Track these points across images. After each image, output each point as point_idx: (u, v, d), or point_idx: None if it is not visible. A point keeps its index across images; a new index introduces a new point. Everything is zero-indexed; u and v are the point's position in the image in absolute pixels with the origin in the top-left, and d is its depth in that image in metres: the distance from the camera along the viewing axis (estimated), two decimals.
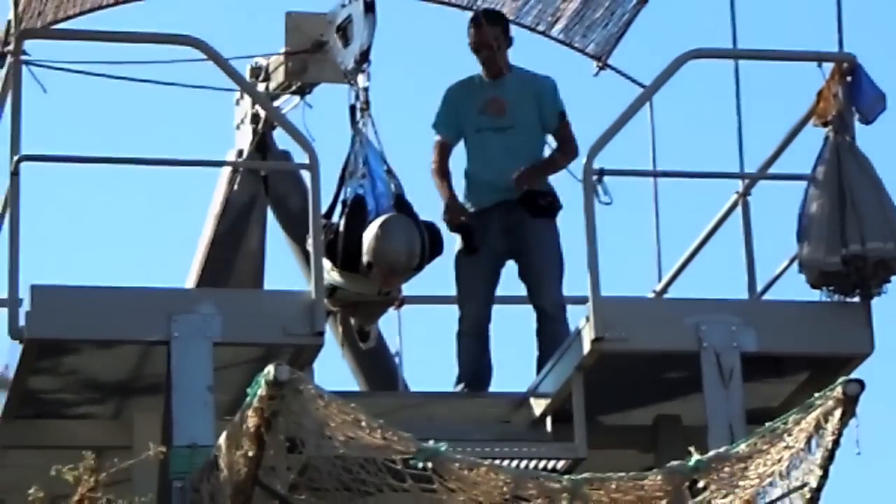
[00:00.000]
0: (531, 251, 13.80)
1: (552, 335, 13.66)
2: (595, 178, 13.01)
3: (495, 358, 13.97)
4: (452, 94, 14.33)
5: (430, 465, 10.89)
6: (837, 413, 11.06)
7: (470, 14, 14.47)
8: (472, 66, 14.10)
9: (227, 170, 14.64)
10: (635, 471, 11.57)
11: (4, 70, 13.04)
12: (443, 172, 14.04)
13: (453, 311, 14.37)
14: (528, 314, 14.08)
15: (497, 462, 11.49)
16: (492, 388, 13.93)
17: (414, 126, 14.38)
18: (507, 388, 13.89)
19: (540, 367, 13.56)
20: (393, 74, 14.33)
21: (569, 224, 13.45)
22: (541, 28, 15.51)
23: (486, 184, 13.97)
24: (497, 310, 14.29)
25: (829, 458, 11.19)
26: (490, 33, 14.07)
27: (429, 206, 13.97)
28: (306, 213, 13.01)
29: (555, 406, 13.20)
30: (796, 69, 13.66)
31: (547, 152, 14.09)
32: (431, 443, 10.95)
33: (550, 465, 12.98)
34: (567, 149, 14.15)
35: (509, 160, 13.77)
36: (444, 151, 14.08)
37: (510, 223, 13.86)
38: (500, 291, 14.29)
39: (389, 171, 13.92)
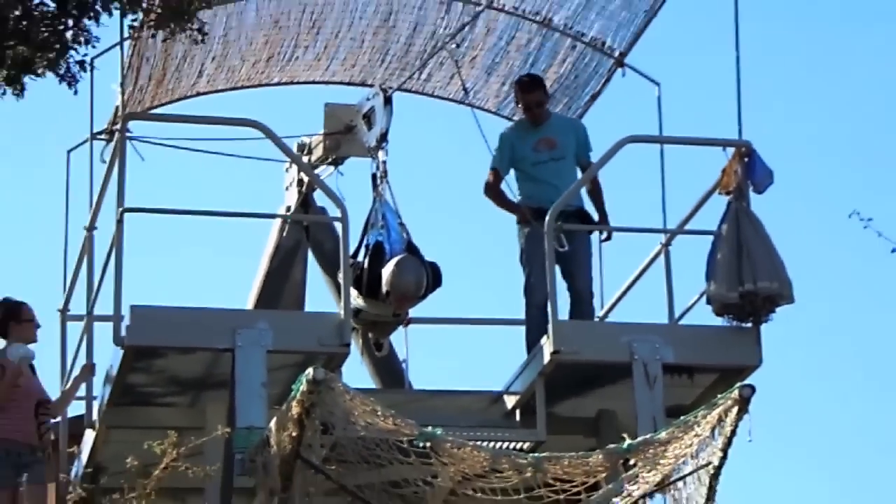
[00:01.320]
0: (576, 249, 13.73)
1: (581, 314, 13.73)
2: (556, 231, 13.05)
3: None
4: (507, 137, 14.19)
5: (428, 444, 10.90)
6: (734, 410, 11.04)
7: (516, 83, 14.43)
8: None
9: (278, 220, 14.63)
10: (583, 451, 11.53)
11: (113, 143, 13.08)
12: (501, 192, 13.97)
13: (449, 328, 14.45)
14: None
15: (479, 443, 11.49)
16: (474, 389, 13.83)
17: (420, 191, 14.38)
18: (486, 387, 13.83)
19: None
20: (405, 152, 14.34)
21: None
22: None
23: (546, 199, 13.69)
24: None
25: (728, 443, 11.16)
26: (538, 94, 14.05)
27: (431, 249, 14.00)
28: (338, 254, 12.99)
29: (522, 402, 13.21)
30: (708, 151, 13.59)
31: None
32: (430, 428, 10.98)
33: (519, 445, 12.94)
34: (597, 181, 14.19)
35: (560, 181, 13.71)
36: (499, 178, 13.95)
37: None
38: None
39: (402, 224, 13.90)
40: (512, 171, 14.03)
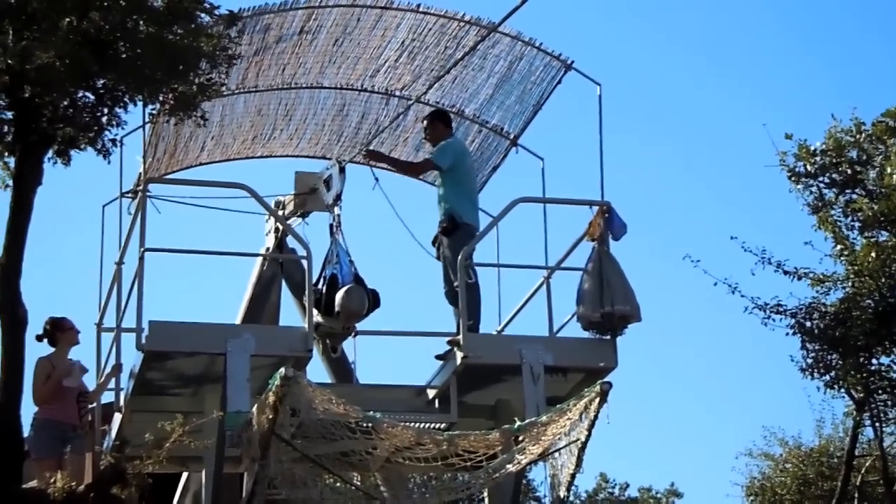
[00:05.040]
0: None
1: None
2: (467, 267, 13.05)
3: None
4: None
5: (370, 425, 10.95)
6: (597, 400, 11.16)
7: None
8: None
9: (260, 257, 14.59)
10: (485, 430, 11.63)
11: (137, 200, 13.06)
12: None
13: (386, 338, 14.40)
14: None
15: (407, 424, 11.55)
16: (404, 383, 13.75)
17: (366, 237, 14.40)
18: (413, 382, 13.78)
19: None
20: (354, 208, 14.38)
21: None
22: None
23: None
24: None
25: (592, 424, 11.27)
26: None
27: (373, 279, 13.91)
28: (304, 283, 12.95)
29: (440, 393, 13.17)
30: (578, 209, 13.60)
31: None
32: (371, 413, 11.02)
33: (437, 425, 12.94)
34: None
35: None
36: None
37: None
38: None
39: (351, 261, 13.82)
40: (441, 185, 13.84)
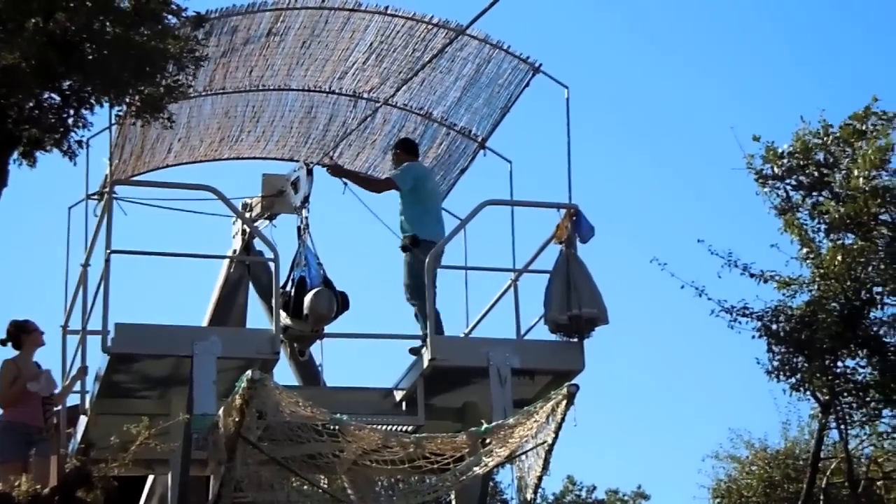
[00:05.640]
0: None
1: None
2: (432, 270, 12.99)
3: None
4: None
5: (337, 427, 10.93)
6: (564, 402, 11.17)
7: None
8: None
9: (227, 260, 14.58)
10: (452, 432, 11.64)
11: (103, 202, 13.01)
12: None
13: (354, 341, 14.42)
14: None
15: (374, 426, 11.55)
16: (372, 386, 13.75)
17: (334, 239, 14.39)
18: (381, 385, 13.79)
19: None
20: (322, 210, 14.37)
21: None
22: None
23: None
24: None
25: (559, 427, 11.27)
26: None
27: (342, 282, 13.95)
28: (272, 285, 12.93)
29: (407, 395, 13.20)
30: (546, 211, 13.61)
31: None
32: (338, 415, 11.02)
33: (404, 428, 12.98)
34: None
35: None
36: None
37: None
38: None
39: (319, 263, 13.87)
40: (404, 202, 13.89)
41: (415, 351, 13.25)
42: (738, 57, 48.27)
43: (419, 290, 13.27)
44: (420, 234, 13.53)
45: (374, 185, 14.06)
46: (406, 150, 14.22)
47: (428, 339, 12.84)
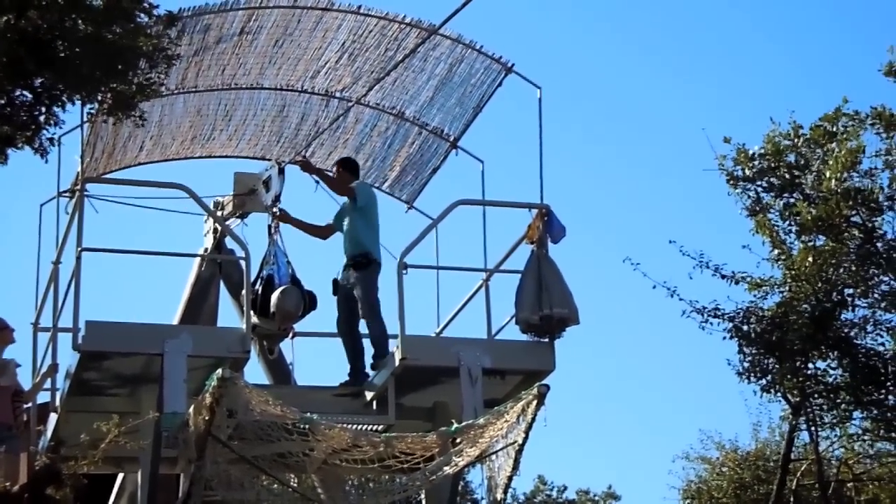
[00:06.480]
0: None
1: None
2: (403, 270, 13.00)
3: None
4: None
5: (307, 426, 10.94)
6: (534, 403, 11.19)
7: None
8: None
9: (198, 258, 14.58)
10: (422, 432, 11.64)
11: (75, 199, 13.00)
12: None
13: (324, 340, 14.45)
14: None
15: (345, 425, 11.51)
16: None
17: (304, 238, 14.38)
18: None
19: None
20: (294, 209, 14.37)
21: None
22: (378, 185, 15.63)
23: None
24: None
25: (529, 427, 11.30)
26: None
27: (311, 280, 14.00)
28: (242, 283, 12.98)
29: (378, 395, 13.17)
30: (517, 211, 13.63)
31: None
32: (308, 414, 11.02)
33: (374, 427, 12.95)
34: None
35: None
36: None
37: None
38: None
39: (289, 262, 13.93)
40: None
41: (345, 390, 13.32)
42: (710, 58, 48.45)
43: (375, 308, 13.32)
44: (375, 254, 13.55)
45: (338, 187, 14.01)
46: (349, 169, 14.11)
47: (399, 339, 12.84)
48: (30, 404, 13.07)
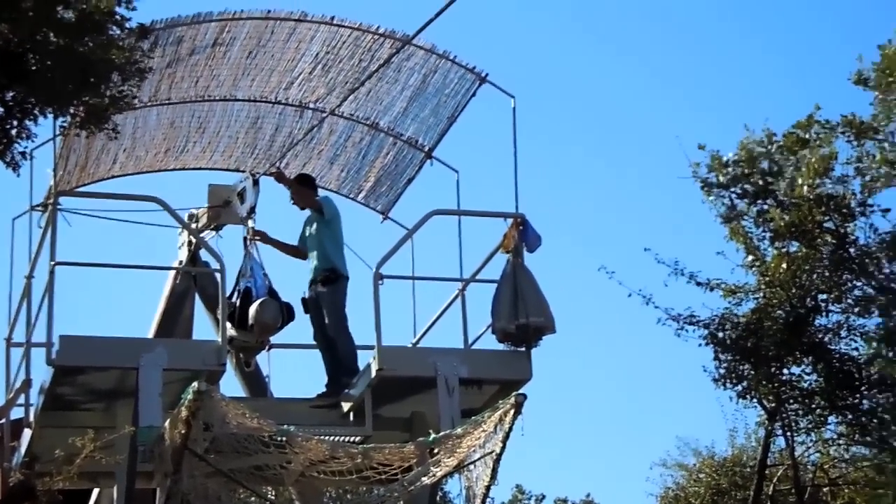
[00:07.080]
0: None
1: None
2: (379, 280, 12.92)
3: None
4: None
5: (284, 438, 10.89)
6: (512, 412, 11.12)
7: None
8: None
9: (173, 271, 14.52)
10: (400, 443, 11.60)
11: (47, 213, 12.93)
12: None
13: (301, 352, 14.41)
14: None
15: (322, 437, 11.49)
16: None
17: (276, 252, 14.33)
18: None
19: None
20: (268, 220, 14.34)
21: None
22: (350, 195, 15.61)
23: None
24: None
25: (506, 437, 11.22)
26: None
27: (287, 293, 13.93)
28: (218, 296, 12.90)
29: (355, 406, 13.11)
30: (492, 221, 13.58)
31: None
32: (285, 426, 10.97)
33: (352, 438, 12.90)
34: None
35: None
36: None
37: None
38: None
39: (265, 274, 13.87)
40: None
41: (322, 402, 13.27)
42: (683, 65, 48.51)
43: (343, 323, 13.32)
44: (342, 269, 13.54)
45: (304, 200, 13.95)
46: (307, 184, 14.09)
47: (375, 350, 12.81)
48: (3, 420, 13.00)
